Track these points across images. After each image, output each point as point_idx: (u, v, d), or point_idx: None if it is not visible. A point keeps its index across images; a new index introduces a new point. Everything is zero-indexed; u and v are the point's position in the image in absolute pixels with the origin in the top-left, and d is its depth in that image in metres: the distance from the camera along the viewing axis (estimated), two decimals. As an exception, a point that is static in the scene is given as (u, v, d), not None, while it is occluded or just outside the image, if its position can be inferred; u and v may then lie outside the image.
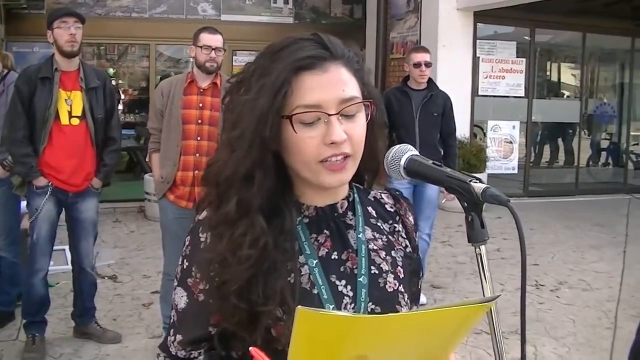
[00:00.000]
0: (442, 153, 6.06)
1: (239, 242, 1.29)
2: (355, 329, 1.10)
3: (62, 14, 4.68)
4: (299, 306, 1.06)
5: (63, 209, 4.83)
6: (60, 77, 4.62)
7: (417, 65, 5.89)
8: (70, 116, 4.65)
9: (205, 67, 4.57)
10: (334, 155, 1.30)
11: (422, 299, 5.92)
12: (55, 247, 6.87)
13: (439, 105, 6.01)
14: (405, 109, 5.93)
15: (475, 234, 1.28)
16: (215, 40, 4.60)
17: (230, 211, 1.31)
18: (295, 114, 1.29)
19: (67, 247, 6.99)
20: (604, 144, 15.09)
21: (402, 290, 1.44)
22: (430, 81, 6.07)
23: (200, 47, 4.57)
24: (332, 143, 1.29)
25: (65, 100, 4.62)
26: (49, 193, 4.64)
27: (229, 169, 1.32)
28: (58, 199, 4.71)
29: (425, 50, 6.06)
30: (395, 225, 1.51)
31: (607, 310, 5.99)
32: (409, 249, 1.51)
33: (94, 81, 4.74)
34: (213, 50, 4.56)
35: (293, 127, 1.29)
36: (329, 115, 1.29)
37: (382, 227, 1.49)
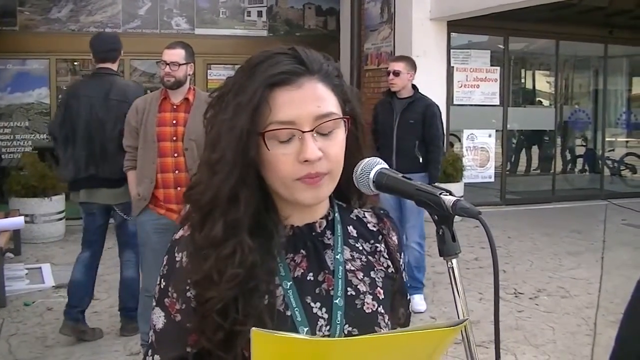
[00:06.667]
0: (423, 159, 6.08)
1: (226, 261, 1.26)
2: (317, 352, 1.06)
3: None
4: (253, 328, 1.04)
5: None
6: None
7: (388, 73, 6.09)
8: None
9: (163, 82, 4.57)
10: (308, 175, 1.27)
11: (422, 306, 5.93)
12: (31, 266, 6.79)
13: (417, 112, 6.05)
14: (387, 117, 6.10)
15: (447, 247, 1.25)
16: (171, 54, 4.57)
17: (217, 234, 1.27)
18: (268, 131, 1.26)
19: (42, 266, 6.94)
20: (580, 150, 15.19)
21: (382, 311, 1.40)
22: (415, 89, 6.17)
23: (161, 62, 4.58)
24: (305, 161, 1.26)
25: None
26: None
27: (211, 191, 1.29)
28: None
29: (400, 59, 6.23)
30: (377, 245, 1.47)
31: (586, 316, 6.00)
32: (390, 269, 1.47)
33: None
34: (167, 65, 4.52)
35: (266, 145, 1.26)
36: (303, 132, 1.26)
37: (362, 247, 1.45)
